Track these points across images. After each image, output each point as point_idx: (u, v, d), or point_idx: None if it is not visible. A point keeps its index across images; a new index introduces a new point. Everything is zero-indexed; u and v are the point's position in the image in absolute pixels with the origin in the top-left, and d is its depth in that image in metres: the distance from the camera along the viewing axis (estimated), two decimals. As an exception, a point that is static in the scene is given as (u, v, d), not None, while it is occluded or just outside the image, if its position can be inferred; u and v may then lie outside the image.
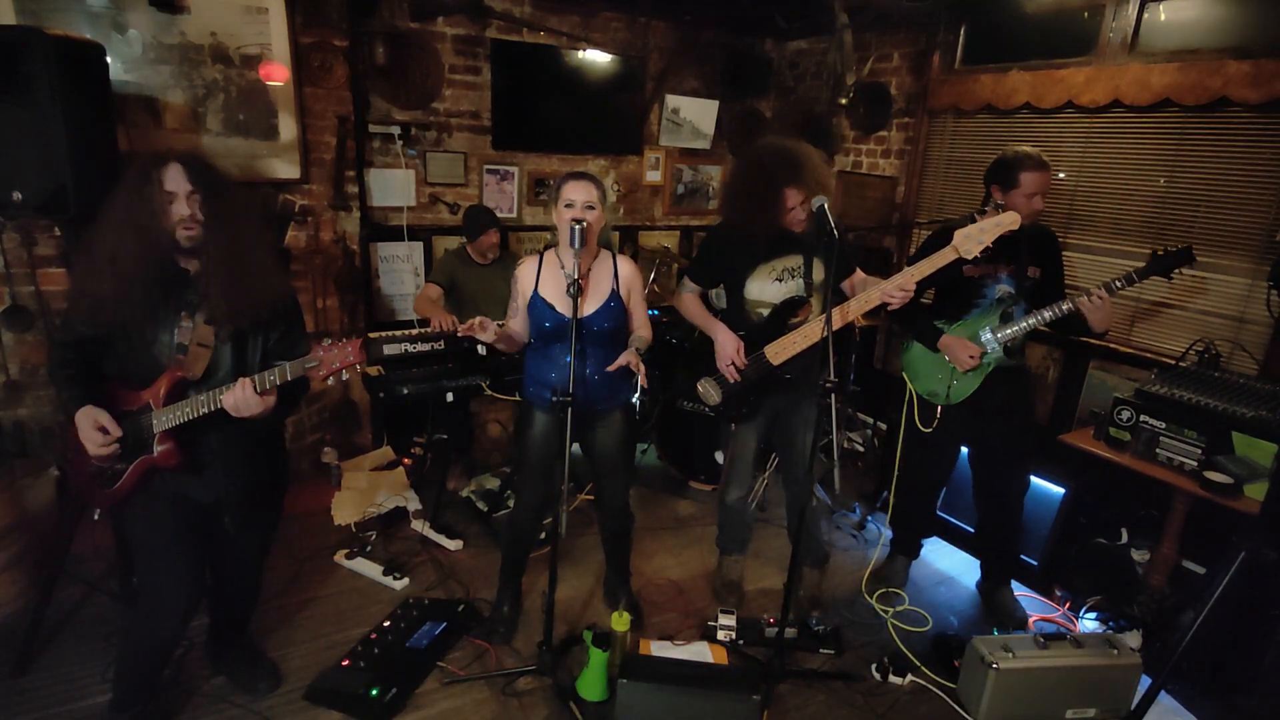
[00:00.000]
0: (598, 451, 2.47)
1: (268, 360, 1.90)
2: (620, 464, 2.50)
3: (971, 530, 3.15)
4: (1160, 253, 2.40)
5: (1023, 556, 3.02)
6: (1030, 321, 2.49)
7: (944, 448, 2.79)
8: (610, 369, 2.22)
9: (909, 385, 2.75)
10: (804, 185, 2.30)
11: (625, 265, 2.38)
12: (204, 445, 1.89)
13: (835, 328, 2.38)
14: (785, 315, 2.45)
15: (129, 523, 2.03)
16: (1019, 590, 2.96)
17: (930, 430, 2.69)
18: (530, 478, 2.44)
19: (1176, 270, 2.40)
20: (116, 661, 2.10)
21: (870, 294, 2.33)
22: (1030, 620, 2.82)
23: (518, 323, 2.38)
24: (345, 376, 1.76)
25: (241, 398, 1.73)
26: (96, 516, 1.97)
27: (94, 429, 1.75)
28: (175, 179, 1.71)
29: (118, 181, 1.75)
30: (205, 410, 1.77)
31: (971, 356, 2.51)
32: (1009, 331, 2.52)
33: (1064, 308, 2.42)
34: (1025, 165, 2.42)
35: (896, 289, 2.28)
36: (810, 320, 2.45)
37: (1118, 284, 2.39)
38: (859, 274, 2.57)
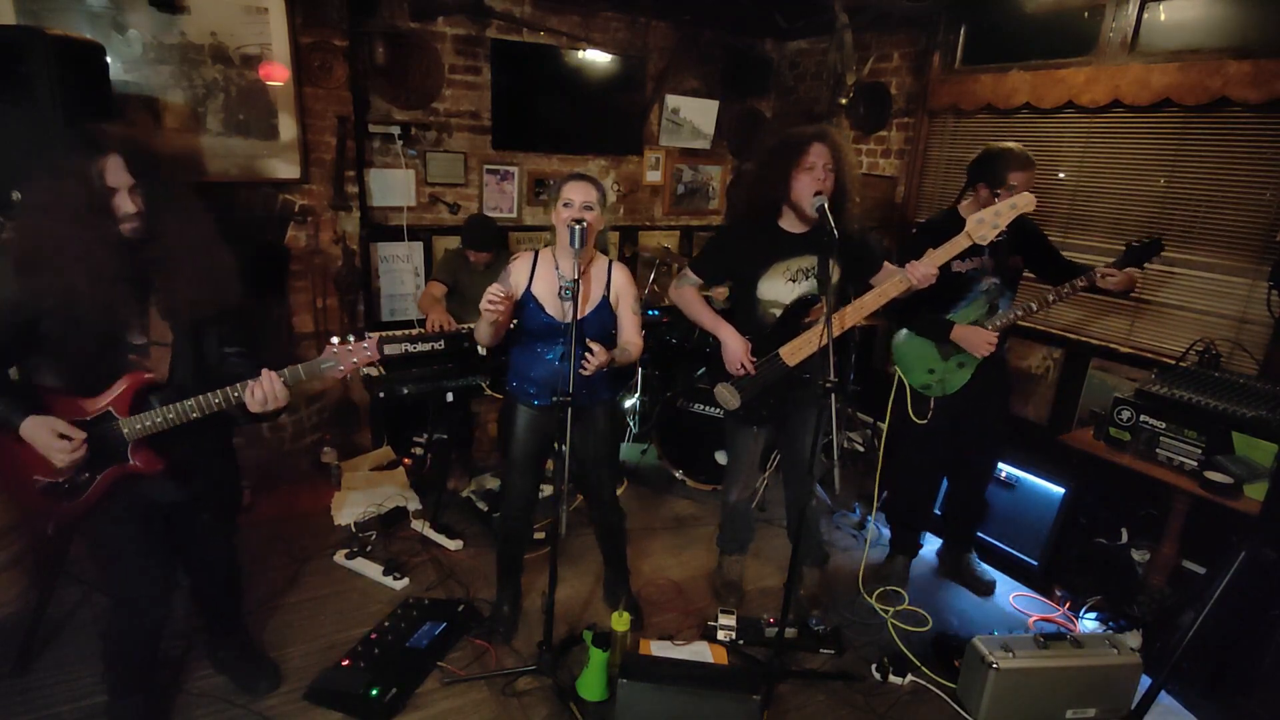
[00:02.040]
0: (583, 447, 2.47)
1: (226, 359, 1.87)
2: (605, 457, 2.51)
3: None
4: (1134, 244, 2.47)
5: (1023, 556, 3.04)
6: (1019, 311, 2.57)
7: (938, 436, 2.80)
8: (585, 372, 2.18)
9: (902, 378, 2.78)
10: (829, 143, 2.28)
11: (619, 273, 2.37)
12: (179, 447, 1.84)
13: (854, 323, 2.37)
14: (798, 315, 2.42)
15: (94, 530, 1.91)
16: (1019, 590, 2.97)
17: (925, 421, 2.72)
18: (516, 474, 2.44)
19: (1147, 261, 2.51)
20: (104, 657, 2.09)
21: (885, 288, 2.30)
22: (1030, 620, 2.82)
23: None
24: (364, 371, 1.76)
25: (270, 390, 1.70)
26: (51, 532, 1.83)
27: (54, 437, 1.62)
28: (116, 172, 1.63)
29: (52, 169, 1.64)
30: (206, 411, 1.74)
31: (990, 342, 2.52)
32: (998, 322, 2.57)
33: (1078, 285, 2.48)
34: (1013, 165, 2.42)
35: (920, 276, 2.22)
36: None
37: (1098, 274, 2.45)
38: (887, 268, 2.49)
